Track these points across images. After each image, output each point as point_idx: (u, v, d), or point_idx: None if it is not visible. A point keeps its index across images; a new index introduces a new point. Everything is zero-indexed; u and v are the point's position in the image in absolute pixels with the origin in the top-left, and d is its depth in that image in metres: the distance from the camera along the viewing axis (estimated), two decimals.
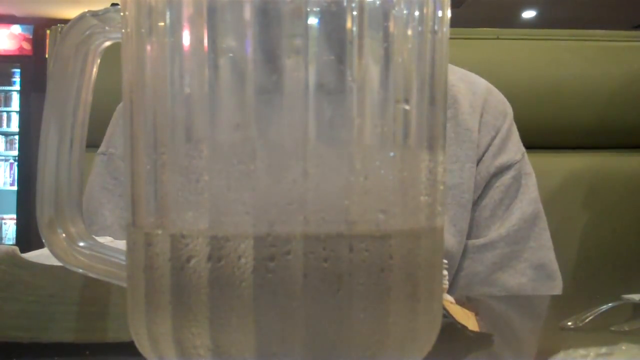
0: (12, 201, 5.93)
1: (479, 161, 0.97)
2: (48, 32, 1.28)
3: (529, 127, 1.27)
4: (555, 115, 1.29)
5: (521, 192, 0.97)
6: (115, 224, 0.91)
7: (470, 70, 1.06)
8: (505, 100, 1.03)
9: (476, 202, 0.97)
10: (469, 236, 0.96)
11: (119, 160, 0.93)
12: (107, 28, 0.36)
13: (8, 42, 6.08)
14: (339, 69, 0.29)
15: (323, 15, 0.29)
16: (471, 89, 1.00)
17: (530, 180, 0.98)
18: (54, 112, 0.37)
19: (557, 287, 0.95)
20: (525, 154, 1.00)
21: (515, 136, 1.01)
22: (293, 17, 0.29)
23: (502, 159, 0.97)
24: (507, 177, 0.97)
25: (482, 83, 1.03)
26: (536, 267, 0.94)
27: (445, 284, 0.63)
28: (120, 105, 0.95)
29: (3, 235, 6.15)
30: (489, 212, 0.96)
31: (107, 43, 0.37)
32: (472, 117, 0.98)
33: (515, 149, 0.99)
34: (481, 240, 0.95)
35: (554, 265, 0.96)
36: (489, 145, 0.98)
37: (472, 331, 0.52)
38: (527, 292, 0.93)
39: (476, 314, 0.56)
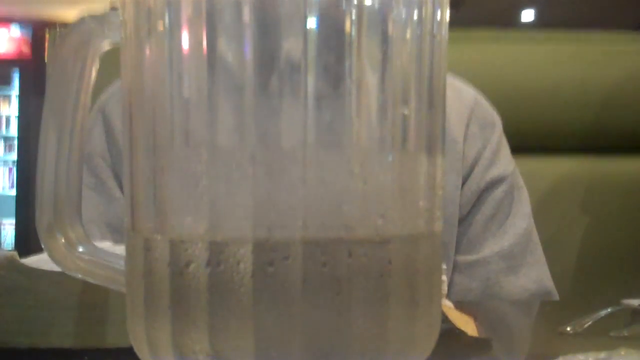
0: (11, 206, 5.91)
1: (468, 175, 0.94)
2: (47, 34, 1.29)
3: (528, 129, 1.27)
4: (554, 117, 1.29)
5: (514, 207, 0.94)
6: (93, 222, 0.90)
7: (469, 72, 1.05)
8: (493, 111, 0.99)
9: (466, 218, 0.94)
10: (458, 251, 0.93)
11: (98, 158, 0.92)
12: (106, 31, 0.36)
13: (7, 44, 6.08)
14: (338, 72, 0.29)
15: (322, 18, 0.29)
16: (458, 98, 0.97)
17: (522, 195, 0.95)
18: (53, 116, 0.37)
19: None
20: (516, 167, 0.97)
21: (506, 148, 0.98)
22: (292, 20, 0.29)
23: (494, 173, 0.94)
24: (498, 192, 0.93)
25: (470, 92, 0.99)
26: (535, 282, 0.91)
27: (444, 289, 0.63)
28: (99, 102, 0.94)
29: (2, 240, 6.14)
30: (480, 228, 0.93)
31: (106, 46, 0.37)
32: (458, 127, 0.94)
33: (506, 161, 0.96)
34: (473, 257, 0.92)
35: (551, 282, 0.94)
36: (478, 158, 0.94)
37: (470, 336, 0.52)
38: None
39: (475, 319, 0.56)
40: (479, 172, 0.94)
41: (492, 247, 0.92)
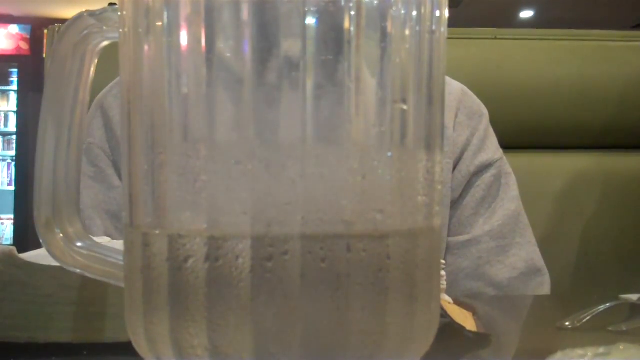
0: (10, 201, 5.92)
1: (458, 160, 0.99)
2: (45, 31, 1.30)
3: (527, 126, 1.28)
4: (553, 115, 1.29)
5: (502, 190, 0.99)
6: (93, 209, 0.95)
7: (468, 70, 1.06)
8: (480, 102, 1.04)
9: (457, 201, 0.99)
10: (449, 233, 0.98)
11: (97, 149, 0.98)
12: (104, 28, 0.36)
13: (6, 41, 6.07)
14: (337, 69, 0.29)
15: (321, 15, 0.29)
16: (447, 90, 1.01)
17: (510, 180, 1.00)
18: (52, 112, 0.37)
19: (545, 282, 0.96)
20: (504, 156, 1.02)
21: (493, 137, 1.03)
22: (291, 17, 0.29)
23: (482, 158, 0.99)
24: (488, 176, 0.98)
25: (456, 85, 1.04)
26: (525, 261, 0.95)
27: (443, 284, 0.63)
28: (98, 97, 1.00)
29: (0, 236, 6.14)
30: (471, 210, 0.98)
31: (105, 43, 0.37)
32: (448, 115, 0.99)
33: (494, 148, 1.01)
34: (465, 237, 0.96)
35: (542, 262, 0.98)
36: (467, 144, 0.99)
37: (469, 331, 0.52)
38: (516, 287, 0.94)
39: (474, 314, 0.56)
40: (468, 157, 0.99)
41: (482, 227, 0.97)
